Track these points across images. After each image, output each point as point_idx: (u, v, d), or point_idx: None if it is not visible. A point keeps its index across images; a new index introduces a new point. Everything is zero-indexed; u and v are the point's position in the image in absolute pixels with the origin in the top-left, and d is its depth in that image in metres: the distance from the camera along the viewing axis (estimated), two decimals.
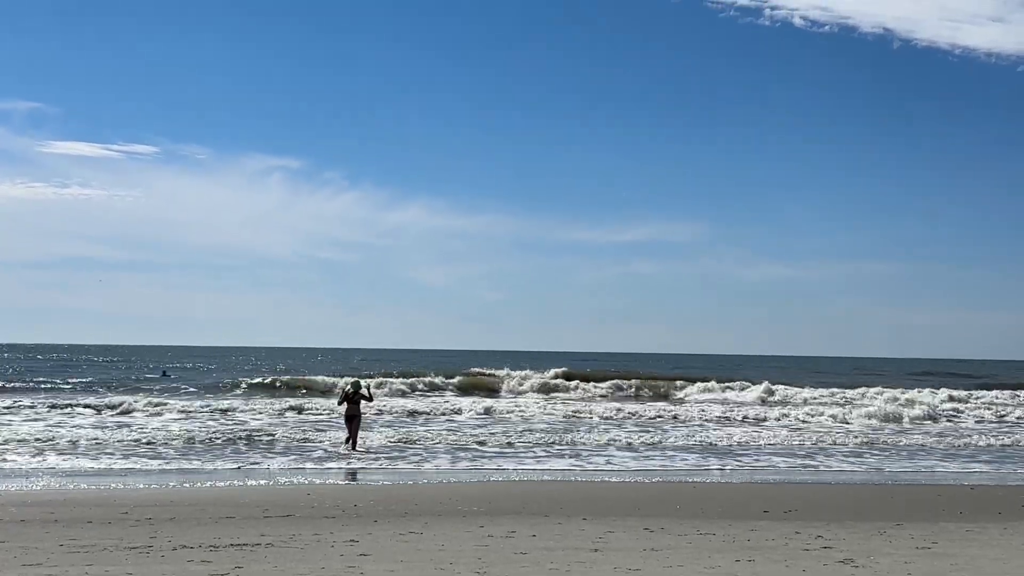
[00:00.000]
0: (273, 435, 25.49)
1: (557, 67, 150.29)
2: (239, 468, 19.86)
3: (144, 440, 24.19)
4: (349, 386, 24.91)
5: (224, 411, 32.01)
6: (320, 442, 24.61)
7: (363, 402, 24.25)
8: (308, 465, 20.75)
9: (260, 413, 31.88)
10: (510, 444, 25.04)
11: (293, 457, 21.90)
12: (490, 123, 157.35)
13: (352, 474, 19.63)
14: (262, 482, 17.93)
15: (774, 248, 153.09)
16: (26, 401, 34.36)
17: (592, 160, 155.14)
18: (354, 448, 23.15)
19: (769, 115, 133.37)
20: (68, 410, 32.01)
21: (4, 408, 31.64)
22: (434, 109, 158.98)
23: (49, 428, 26.56)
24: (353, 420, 23.67)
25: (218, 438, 24.83)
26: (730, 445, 26.13)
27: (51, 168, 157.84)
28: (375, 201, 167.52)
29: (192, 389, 43.73)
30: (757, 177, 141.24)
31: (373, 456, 22.42)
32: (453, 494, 16.33)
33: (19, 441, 23.41)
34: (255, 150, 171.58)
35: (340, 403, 24.73)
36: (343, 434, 24.31)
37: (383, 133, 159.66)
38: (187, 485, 17.38)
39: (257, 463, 20.79)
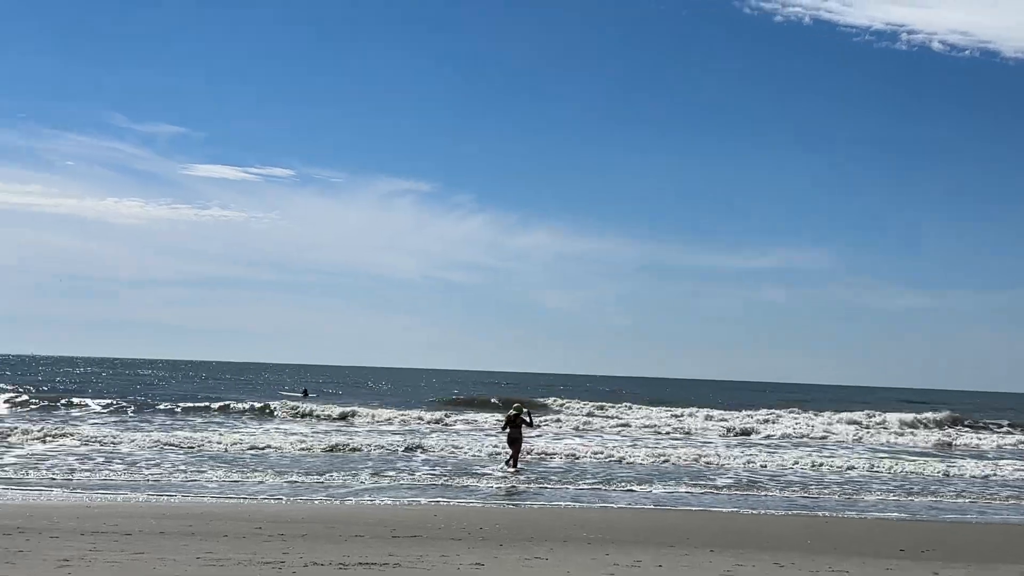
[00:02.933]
0: (414, 452, 26.19)
1: (686, 87, 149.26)
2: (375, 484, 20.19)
3: (280, 453, 25.06)
4: (512, 411, 25.60)
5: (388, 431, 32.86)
6: (466, 454, 25.10)
7: (524, 427, 25.07)
8: (442, 482, 20.96)
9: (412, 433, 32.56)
10: (636, 470, 24.92)
11: (433, 472, 22.15)
12: (617, 146, 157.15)
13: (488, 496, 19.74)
14: (389, 501, 18.18)
15: (908, 276, 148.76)
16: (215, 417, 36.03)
17: (721, 183, 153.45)
18: (514, 467, 23.99)
19: (907, 141, 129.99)
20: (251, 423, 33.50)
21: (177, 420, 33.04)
22: (561, 133, 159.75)
23: (253, 436, 28.71)
24: (515, 443, 24.62)
25: (361, 453, 25.94)
26: (868, 479, 25.33)
27: (193, 190, 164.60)
28: (503, 224, 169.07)
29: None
30: (890, 203, 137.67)
31: (524, 478, 22.87)
32: (577, 519, 16.25)
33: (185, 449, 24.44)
34: (387, 173, 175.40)
35: (504, 428, 25.58)
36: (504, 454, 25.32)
37: (512, 157, 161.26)
38: (317, 501, 17.77)
39: (397, 479, 21.12)
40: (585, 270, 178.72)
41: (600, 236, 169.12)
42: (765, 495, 21.36)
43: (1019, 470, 27.58)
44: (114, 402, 42.02)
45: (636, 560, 11.93)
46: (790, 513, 18.68)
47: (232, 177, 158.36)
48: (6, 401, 41.05)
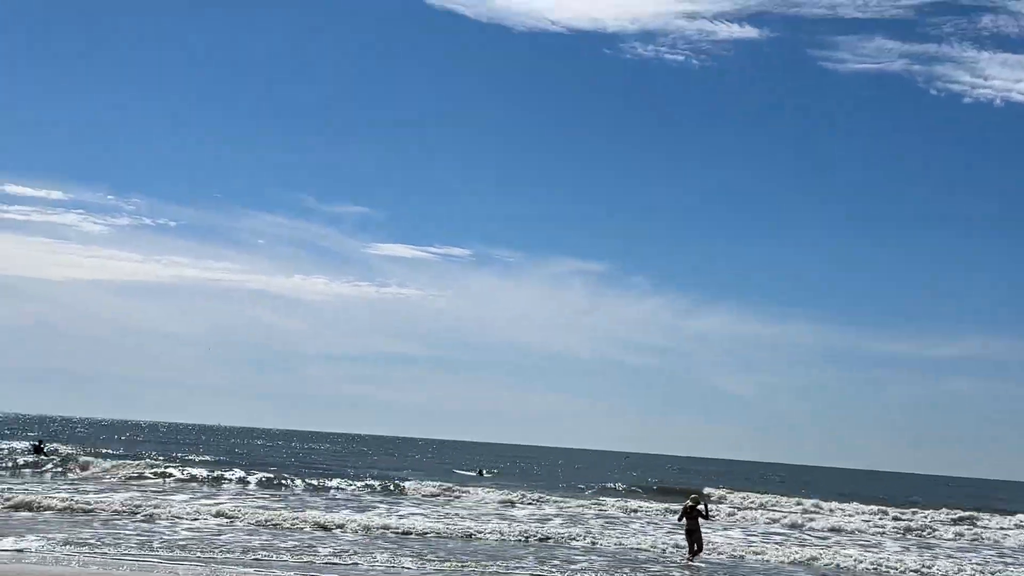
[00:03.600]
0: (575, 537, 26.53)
1: (862, 178, 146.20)
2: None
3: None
4: (689, 502, 25.49)
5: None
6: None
7: (700, 518, 24.93)
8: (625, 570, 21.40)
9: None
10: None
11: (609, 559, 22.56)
12: (795, 229, 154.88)
13: None
14: None
15: None
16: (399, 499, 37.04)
17: (906, 268, 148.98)
18: (693, 558, 24.12)
19: None
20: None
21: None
22: (738, 216, 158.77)
23: (459, 523, 28.72)
24: (693, 534, 24.57)
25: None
26: None
27: (374, 268, 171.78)
28: (679, 306, 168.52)
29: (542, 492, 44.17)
30: None
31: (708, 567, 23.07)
32: None
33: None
34: (562, 254, 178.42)
35: (680, 518, 25.47)
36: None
37: (689, 239, 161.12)
38: None
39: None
40: (766, 355, 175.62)
41: (782, 320, 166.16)
42: None
43: None
44: (318, 482, 42.41)
45: None
46: None
47: (411, 256, 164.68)
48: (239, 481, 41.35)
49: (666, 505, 39.86)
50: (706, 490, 47.85)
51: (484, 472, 65.85)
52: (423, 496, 39.98)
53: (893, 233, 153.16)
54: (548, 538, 26.82)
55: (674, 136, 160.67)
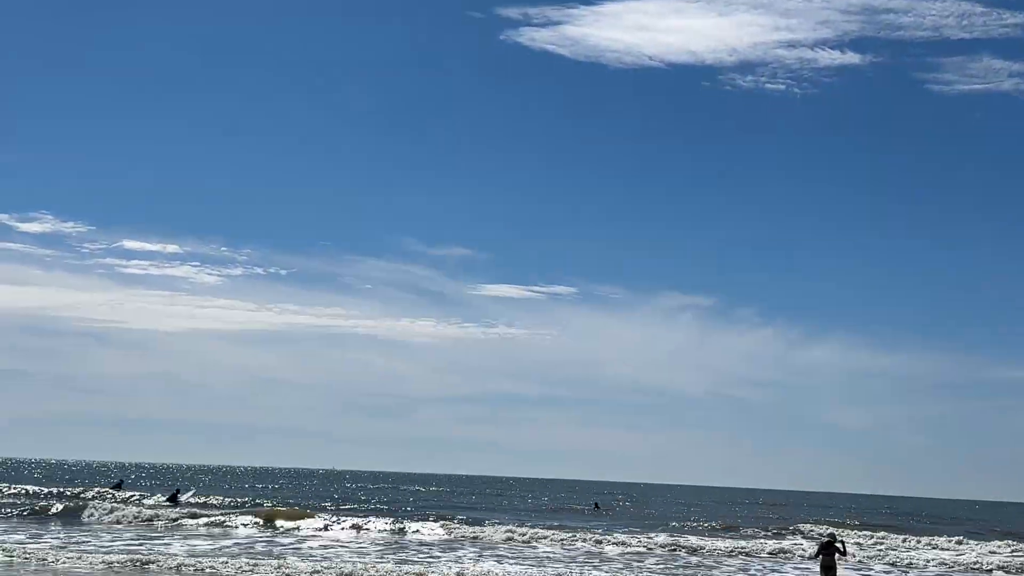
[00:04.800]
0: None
1: (974, 202, 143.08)
2: None
3: None
4: (826, 537, 25.85)
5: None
6: None
7: (836, 555, 25.19)
8: None
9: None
10: None
11: None
12: (905, 254, 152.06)
13: None
14: None
15: None
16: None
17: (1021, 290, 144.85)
18: None
19: None
20: None
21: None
22: (845, 244, 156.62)
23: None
24: (829, 571, 24.77)
25: None
26: None
27: (480, 309, 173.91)
28: (788, 338, 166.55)
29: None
30: None
31: None
32: None
33: None
34: (668, 288, 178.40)
35: (815, 555, 25.76)
36: None
37: (794, 270, 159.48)
38: None
39: None
40: (879, 385, 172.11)
41: (895, 350, 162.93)
42: None
43: None
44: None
45: None
46: None
47: (516, 296, 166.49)
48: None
49: (804, 542, 38.97)
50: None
51: (599, 505, 69.26)
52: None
53: (1008, 257, 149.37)
54: None
55: (778, 166, 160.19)
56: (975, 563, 35.81)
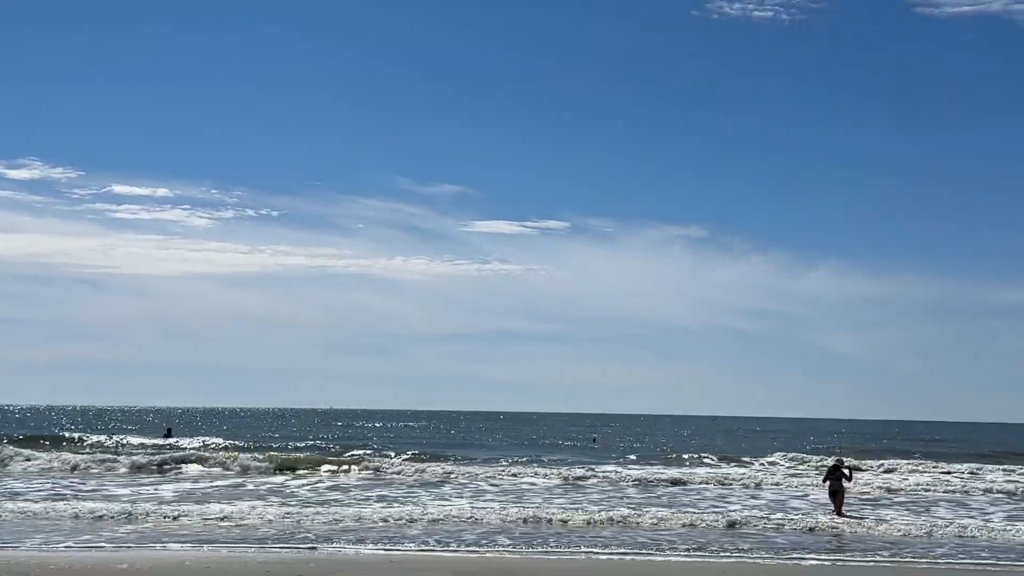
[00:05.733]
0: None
1: (964, 126, 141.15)
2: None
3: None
4: (834, 462, 26.78)
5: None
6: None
7: (843, 480, 25.46)
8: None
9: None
10: None
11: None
12: (897, 179, 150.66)
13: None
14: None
15: None
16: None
17: (1014, 215, 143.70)
18: (839, 515, 24.38)
19: None
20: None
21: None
22: (836, 172, 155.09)
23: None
24: (836, 495, 25.10)
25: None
26: None
27: (473, 246, 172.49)
28: (781, 266, 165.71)
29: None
30: None
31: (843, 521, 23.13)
32: None
33: None
34: (658, 220, 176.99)
35: (824, 480, 26.04)
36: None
37: (786, 195, 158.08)
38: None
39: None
40: (875, 311, 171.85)
41: (891, 275, 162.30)
42: None
43: None
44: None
45: None
46: None
47: (509, 231, 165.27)
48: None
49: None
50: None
51: (596, 440, 69.38)
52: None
53: (999, 179, 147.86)
54: None
55: (766, 94, 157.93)
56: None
